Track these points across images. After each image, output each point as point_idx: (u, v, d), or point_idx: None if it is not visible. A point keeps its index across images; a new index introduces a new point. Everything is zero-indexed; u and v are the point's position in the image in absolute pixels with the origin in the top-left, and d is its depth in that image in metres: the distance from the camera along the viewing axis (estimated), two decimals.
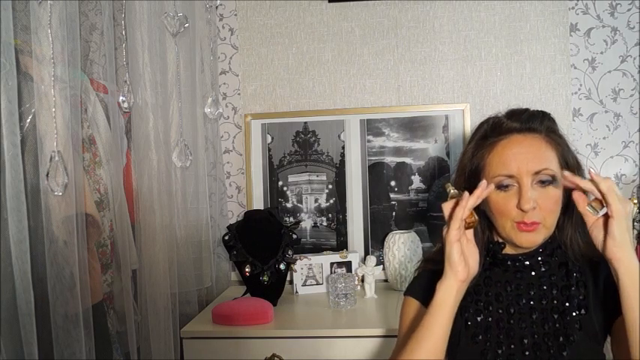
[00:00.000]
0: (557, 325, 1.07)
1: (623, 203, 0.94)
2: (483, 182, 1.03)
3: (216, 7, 2.19)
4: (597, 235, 0.97)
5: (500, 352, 1.08)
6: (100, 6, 1.60)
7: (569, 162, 1.09)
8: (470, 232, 1.06)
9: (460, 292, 1.04)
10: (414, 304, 1.18)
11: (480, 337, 1.10)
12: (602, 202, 0.95)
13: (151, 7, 1.64)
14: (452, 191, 1.06)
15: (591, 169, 0.98)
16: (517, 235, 1.05)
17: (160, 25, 1.68)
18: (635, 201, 1.96)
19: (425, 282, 1.15)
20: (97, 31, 1.89)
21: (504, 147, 1.08)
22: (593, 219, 0.98)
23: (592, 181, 0.96)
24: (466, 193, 1.02)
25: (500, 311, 1.11)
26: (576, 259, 1.10)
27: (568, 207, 1.09)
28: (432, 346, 1.02)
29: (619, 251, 0.94)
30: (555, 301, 1.09)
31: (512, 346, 1.08)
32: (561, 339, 1.06)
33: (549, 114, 1.13)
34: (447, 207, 1.04)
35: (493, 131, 1.11)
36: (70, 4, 1.29)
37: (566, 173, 0.99)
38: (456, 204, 1.02)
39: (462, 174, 1.14)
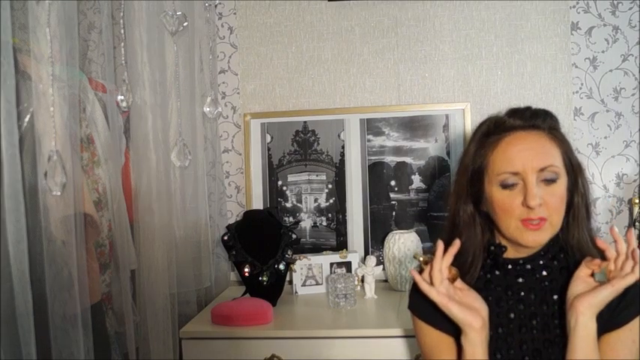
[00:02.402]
0: (558, 332, 1.05)
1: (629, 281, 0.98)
2: (457, 241, 1.05)
3: (215, 6, 2.18)
4: (578, 285, 1.02)
5: (499, 357, 1.07)
6: (99, 5, 1.60)
7: (573, 161, 1.08)
8: (458, 282, 1.06)
9: (485, 337, 1.05)
10: (423, 328, 1.16)
11: None
12: (608, 271, 1.00)
13: (150, 6, 1.63)
14: (421, 258, 1.08)
15: (630, 231, 1.00)
16: (522, 234, 1.04)
17: (158, 23, 1.66)
18: (637, 201, 1.96)
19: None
20: (96, 29, 1.89)
21: (508, 144, 1.07)
22: (586, 274, 1.03)
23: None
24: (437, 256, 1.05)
25: (500, 316, 1.09)
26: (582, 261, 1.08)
27: (571, 206, 1.08)
28: None
29: (588, 309, 0.99)
30: (556, 307, 1.07)
31: (512, 352, 1.07)
32: (562, 346, 1.04)
33: (551, 112, 1.12)
34: (425, 277, 1.06)
35: (495, 129, 1.10)
36: (69, 2, 1.28)
37: (599, 240, 1.03)
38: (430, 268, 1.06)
39: (464, 174, 1.12)
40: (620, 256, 0.98)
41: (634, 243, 0.97)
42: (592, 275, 1.02)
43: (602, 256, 1.02)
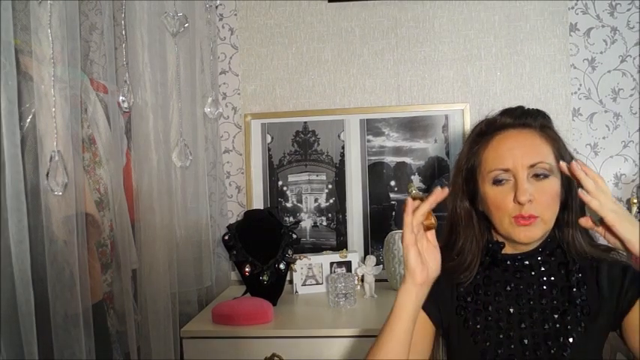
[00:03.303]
0: (558, 326, 1.06)
1: (607, 199, 0.93)
2: (437, 189, 1.03)
3: (216, 7, 2.19)
4: (615, 242, 0.97)
5: (499, 352, 1.08)
6: (100, 6, 1.61)
7: (566, 160, 1.09)
8: (431, 234, 1.06)
9: (420, 295, 1.04)
10: None
11: (479, 337, 1.10)
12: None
13: (151, 7, 1.64)
14: (413, 192, 1.07)
15: (578, 162, 0.97)
16: (515, 230, 1.05)
17: (159, 24, 1.68)
18: (635, 200, 1.96)
19: None
20: (97, 30, 1.89)
21: (499, 142, 1.08)
22: (601, 231, 0.98)
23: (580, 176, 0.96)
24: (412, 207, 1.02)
25: (500, 311, 1.10)
26: (579, 257, 1.09)
27: (567, 204, 1.09)
28: (394, 348, 1.04)
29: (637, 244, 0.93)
30: (555, 301, 1.08)
31: (512, 347, 1.08)
32: (562, 339, 1.05)
33: (544, 112, 1.13)
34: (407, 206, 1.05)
35: (487, 128, 1.12)
36: (70, 3, 1.29)
37: (562, 163, 0.98)
38: (416, 207, 1.03)
39: (459, 173, 1.14)
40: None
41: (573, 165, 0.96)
42: (595, 224, 0.98)
43: (598, 251, 1.02)
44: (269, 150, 2.19)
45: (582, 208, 1.09)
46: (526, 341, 1.07)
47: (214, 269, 2.07)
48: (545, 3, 2.04)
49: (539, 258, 1.11)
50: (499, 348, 1.08)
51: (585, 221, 0.99)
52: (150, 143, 1.65)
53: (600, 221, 0.97)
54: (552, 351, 1.05)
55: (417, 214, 1.02)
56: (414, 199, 1.05)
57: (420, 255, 1.03)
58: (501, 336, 1.09)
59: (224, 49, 2.21)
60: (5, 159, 1.10)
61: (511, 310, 1.10)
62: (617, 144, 2.04)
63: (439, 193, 1.03)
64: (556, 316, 1.07)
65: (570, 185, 1.09)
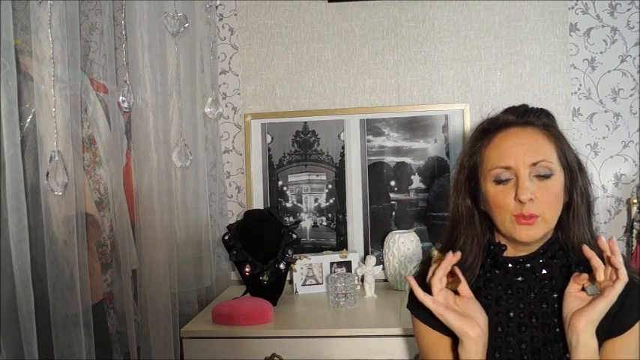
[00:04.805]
0: (558, 330, 1.05)
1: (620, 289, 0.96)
2: (450, 254, 1.05)
3: (216, 7, 2.19)
4: (572, 302, 1.00)
5: (498, 356, 1.07)
6: (100, 6, 1.61)
7: (569, 159, 1.08)
8: (463, 287, 1.05)
9: (481, 347, 1.03)
10: (421, 327, 1.15)
11: None
12: (599, 282, 0.99)
13: (151, 7, 1.64)
14: (435, 253, 1.09)
15: (612, 239, 0.99)
16: (516, 229, 1.04)
17: (159, 24, 1.68)
18: (635, 201, 1.96)
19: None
20: (97, 30, 1.89)
21: (502, 139, 1.08)
22: (577, 290, 1.01)
23: (607, 258, 0.97)
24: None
25: (500, 315, 1.09)
26: (583, 259, 1.08)
27: (571, 205, 1.08)
28: None
29: (587, 326, 0.97)
30: (556, 305, 1.07)
31: (511, 351, 1.07)
32: (561, 345, 1.04)
33: (547, 111, 1.13)
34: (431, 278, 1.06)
35: (490, 126, 1.11)
36: (70, 3, 1.29)
37: (585, 247, 1.00)
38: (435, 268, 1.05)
39: (461, 172, 1.14)
40: (608, 266, 0.97)
41: (615, 249, 0.97)
42: (583, 289, 1.01)
43: (601, 256, 1.02)
44: (269, 150, 2.19)
45: (588, 209, 1.09)
46: (525, 346, 1.06)
47: (214, 269, 2.07)
48: (545, 3, 2.04)
49: (540, 260, 1.09)
50: (497, 352, 1.07)
51: (581, 279, 1.01)
52: (150, 143, 1.65)
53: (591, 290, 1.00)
54: (551, 356, 1.04)
55: (435, 283, 1.03)
56: (435, 262, 1.06)
57: (460, 313, 1.03)
58: (500, 340, 1.08)
59: (224, 49, 2.21)
60: (5, 159, 1.10)
61: (511, 314, 1.09)
62: (617, 144, 2.04)
63: (451, 258, 1.04)
64: (556, 320, 1.06)
65: (573, 185, 1.08)
